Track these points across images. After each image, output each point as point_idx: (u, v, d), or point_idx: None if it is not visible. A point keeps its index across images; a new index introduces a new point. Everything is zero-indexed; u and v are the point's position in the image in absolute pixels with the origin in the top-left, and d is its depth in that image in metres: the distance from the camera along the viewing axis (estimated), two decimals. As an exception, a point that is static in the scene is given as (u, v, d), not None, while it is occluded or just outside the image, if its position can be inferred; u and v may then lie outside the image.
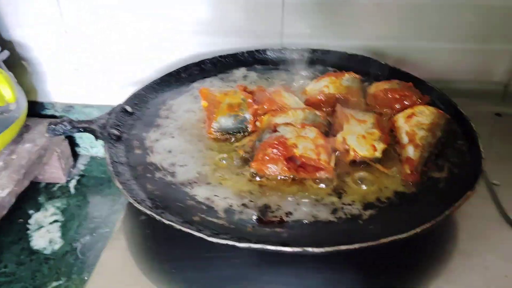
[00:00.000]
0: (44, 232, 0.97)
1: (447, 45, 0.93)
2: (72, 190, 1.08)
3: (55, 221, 1.00)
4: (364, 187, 0.63)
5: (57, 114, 1.10)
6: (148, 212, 0.57)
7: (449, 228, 0.66)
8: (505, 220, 0.65)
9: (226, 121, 0.72)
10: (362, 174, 0.65)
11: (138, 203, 0.58)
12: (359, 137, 0.66)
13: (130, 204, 0.66)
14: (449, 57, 0.94)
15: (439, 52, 0.94)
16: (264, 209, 0.60)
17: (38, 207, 1.03)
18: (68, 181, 1.10)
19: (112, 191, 1.08)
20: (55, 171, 1.07)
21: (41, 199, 1.05)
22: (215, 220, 0.58)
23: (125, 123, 0.74)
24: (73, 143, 1.14)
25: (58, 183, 1.09)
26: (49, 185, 1.09)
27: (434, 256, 0.62)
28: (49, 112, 1.10)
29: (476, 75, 0.95)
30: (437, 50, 0.93)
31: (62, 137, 1.07)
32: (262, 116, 0.72)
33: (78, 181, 1.10)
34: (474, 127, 0.70)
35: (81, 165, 1.15)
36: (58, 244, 0.94)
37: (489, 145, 0.78)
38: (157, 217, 0.56)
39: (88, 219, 1.01)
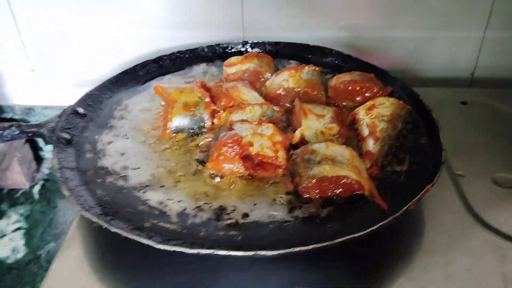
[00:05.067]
0: (7, 240, 0.94)
1: (412, 33, 0.91)
2: (36, 196, 1.04)
3: (18, 228, 0.96)
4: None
5: (16, 117, 1.06)
6: (96, 219, 0.54)
7: (415, 220, 0.64)
8: (469, 213, 0.64)
9: (181, 121, 0.69)
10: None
11: (86, 210, 0.56)
12: (317, 133, 0.64)
13: (81, 211, 0.64)
14: (414, 46, 0.93)
15: (403, 41, 0.92)
16: (219, 212, 0.58)
17: (0, 215, 0.99)
18: (31, 186, 1.06)
19: (78, 195, 1.04)
20: (17, 177, 1.03)
21: (3, 206, 1.01)
22: (167, 225, 0.56)
23: (76, 126, 0.70)
24: (36, 147, 1.10)
25: (21, 189, 1.05)
26: (11, 191, 1.05)
27: (398, 253, 0.60)
28: (8, 115, 1.06)
29: (442, 64, 0.94)
30: (401, 38, 0.92)
31: (23, 141, 1.03)
32: (220, 113, 0.70)
33: (43, 186, 1.06)
34: (436, 117, 0.68)
35: (45, 169, 1.11)
36: (21, 253, 0.91)
37: (454, 134, 0.77)
38: (105, 225, 0.53)
39: (52, 225, 0.97)
